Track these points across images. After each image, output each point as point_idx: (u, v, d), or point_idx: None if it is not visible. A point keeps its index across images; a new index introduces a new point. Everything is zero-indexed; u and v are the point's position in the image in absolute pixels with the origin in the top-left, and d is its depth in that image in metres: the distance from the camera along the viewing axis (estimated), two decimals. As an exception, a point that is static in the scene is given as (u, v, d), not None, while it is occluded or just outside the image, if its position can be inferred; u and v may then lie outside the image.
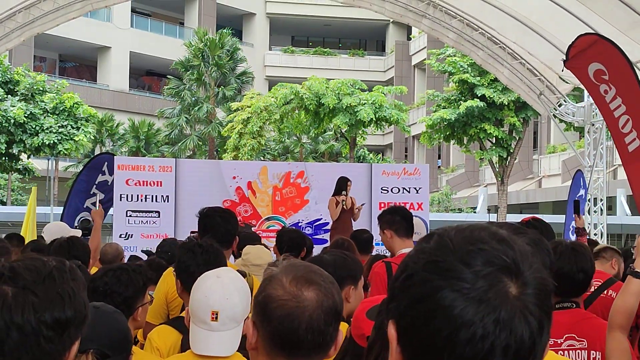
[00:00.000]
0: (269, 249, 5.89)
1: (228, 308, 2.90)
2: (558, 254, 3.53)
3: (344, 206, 11.44)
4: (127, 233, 13.89)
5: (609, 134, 11.73)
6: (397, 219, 5.26)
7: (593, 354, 3.49)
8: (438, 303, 1.08)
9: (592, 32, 11.63)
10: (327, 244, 10.42)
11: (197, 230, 4.83)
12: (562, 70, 12.01)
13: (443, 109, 27.15)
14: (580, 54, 10.99)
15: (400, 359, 1.13)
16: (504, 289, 1.08)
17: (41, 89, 31.29)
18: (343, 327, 3.24)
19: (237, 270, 3.54)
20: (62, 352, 1.62)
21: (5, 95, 30.26)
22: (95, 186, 14.12)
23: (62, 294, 1.61)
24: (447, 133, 27.17)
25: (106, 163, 14.32)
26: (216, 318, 2.88)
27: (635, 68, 10.48)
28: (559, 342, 3.50)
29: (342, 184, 11.72)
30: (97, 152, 39.40)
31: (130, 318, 3.38)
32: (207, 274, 3.02)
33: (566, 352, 3.48)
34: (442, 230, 1.17)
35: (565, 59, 11.48)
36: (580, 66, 11.02)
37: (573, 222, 14.66)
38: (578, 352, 3.49)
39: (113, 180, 14.12)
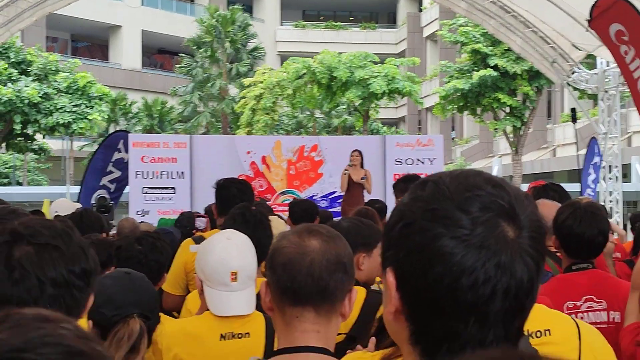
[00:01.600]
0: (284, 220, 5.93)
1: (246, 267, 2.94)
2: (578, 218, 3.47)
3: (352, 178, 11.44)
4: (143, 210, 13.98)
5: (623, 101, 11.65)
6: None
7: (612, 314, 3.46)
8: (438, 251, 1.08)
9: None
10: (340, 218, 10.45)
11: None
12: (587, 30, 11.90)
13: (456, 79, 27.03)
14: (602, 14, 10.87)
15: (400, 304, 1.14)
16: (503, 233, 1.09)
17: (54, 68, 31.33)
18: (361, 292, 3.29)
19: None
20: (86, 299, 1.72)
21: (19, 76, 30.35)
22: (111, 164, 14.21)
23: (83, 246, 1.73)
24: (461, 104, 27.07)
25: (122, 141, 14.38)
26: (235, 278, 2.91)
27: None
28: (577, 304, 3.46)
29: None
30: (111, 131, 39.56)
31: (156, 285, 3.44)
32: (216, 237, 3.05)
33: (585, 314, 3.45)
34: (436, 176, 1.17)
35: (589, 18, 11.38)
36: (602, 26, 10.91)
37: (588, 189, 14.65)
38: (597, 314, 3.46)
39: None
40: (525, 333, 1.33)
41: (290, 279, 1.89)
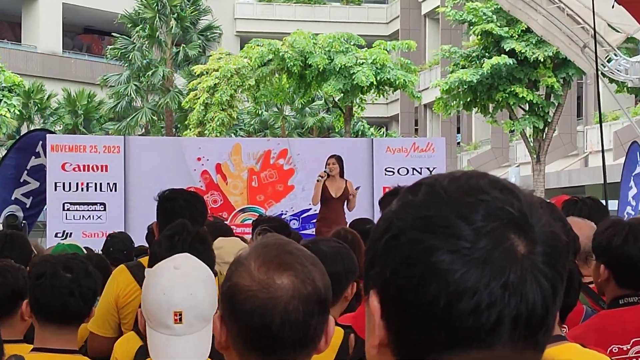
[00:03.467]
0: (246, 242, 5.93)
1: (194, 305, 2.92)
2: (622, 237, 3.49)
3: (329, 191, 11.45)
4: (64, 231, 13.90)
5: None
6: None
7: None
8: (433, 267, 1.09)
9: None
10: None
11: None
12: (613, 7, 12.00)
13: (462, 68, 27.16)
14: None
15: (385, 335, 1.15)
16: (511, 248, 1.10)
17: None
18: (338, 333, 3.30)
19: None
20: None
21: None
22: (27, 172, 14.06)
23: None
24: (468, 99, 27.19)
25: (41, 142, 14.28)
26: (180, 319, 2.89)
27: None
28: (624, 348, 3.47)
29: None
30: (23, 131, 39.25)
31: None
32: (162, 265, 3.04)
33: None
34: (432, 178, 1.19)
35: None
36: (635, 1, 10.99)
37: (628, 207, 14.76)
38: None
39: (51, 164, 14.13)
40: None
41: (261, 329, 1.91)
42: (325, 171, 11.64)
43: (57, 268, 3.59)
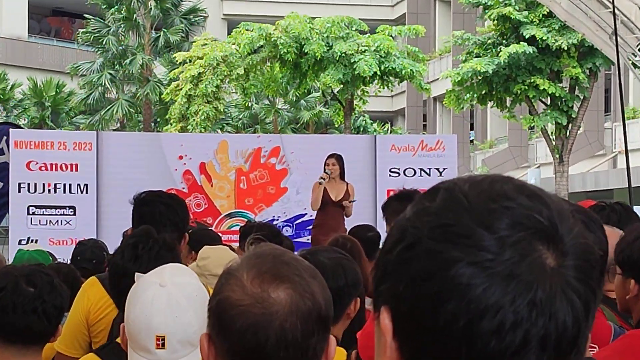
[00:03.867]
0: (234, 250, 5.93)
1: (179, 329, 2.89)
2: None
3: (329, 194, 11.48)
4: (29, 238, 13.88)
5: None
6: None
7: None
8: (451, 282, 1.10)
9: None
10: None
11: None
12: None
13: (476, 57, 27.19)
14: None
15: (397, 357, 1.15)
16: (539, 260, 1.11)
17: None
18: (340, 354, 3.29)
19: None
20: None
21: None
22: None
23: None
24: (483, 92, 27.22)
25: (4, 138, 14.27)
26: (163, 345, 2.87)
27: None
28: None
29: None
30: (-16, 125, 39.29)
31: None
32: (146, 280, 2.99)
33: None
34: (450, 182, 1.19)
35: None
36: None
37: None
38: None
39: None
40: None
41: (254, 349, 1.90)
42: (326, 172, 11.65)
43: (19, 281, 3.56)
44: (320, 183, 11.63)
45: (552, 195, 1.18)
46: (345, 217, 11.66)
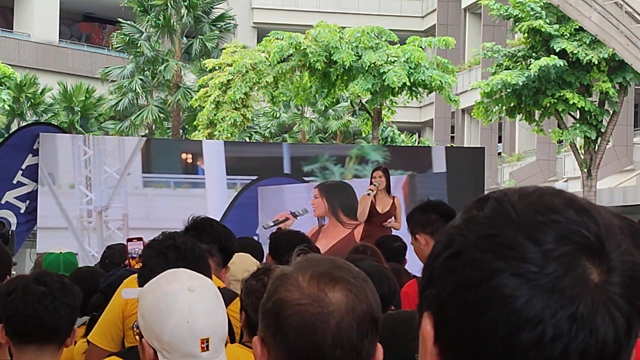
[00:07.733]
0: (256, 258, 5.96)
1: (218, 329, 2.94)
2: None
3: (375, 206, 11.55)
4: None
5: None
6: (432, 218, 5.33)
7: None
8: (494, 291, 1.11)
9: None
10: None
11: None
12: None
13: (506, 70, 27.10)
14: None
15: None
16: (584, 276, 1.11)
17: None
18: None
19: (221, 288, 3.62)
20: None
21: None
22: (21, 172, 13.80)
23: None
24: (512, 104, 27.13)
25: (39, 139, 14.13)
26: (207, 347, 2.89)
27: None
28: None
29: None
30: (13, 128, 39.44)
31: None
32: (172, 288, 2.97)
33: None
34: (501, 193, 1.20)
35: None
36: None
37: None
38: None
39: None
40: None
41: (310, 348, 1.91)
42: (374, 184, 11.69)
43: (29, 281, 3.61)
44: (368, 194, 11.67)
45: (602, 209, 1.18)
46: (393, 229, 11.63)
